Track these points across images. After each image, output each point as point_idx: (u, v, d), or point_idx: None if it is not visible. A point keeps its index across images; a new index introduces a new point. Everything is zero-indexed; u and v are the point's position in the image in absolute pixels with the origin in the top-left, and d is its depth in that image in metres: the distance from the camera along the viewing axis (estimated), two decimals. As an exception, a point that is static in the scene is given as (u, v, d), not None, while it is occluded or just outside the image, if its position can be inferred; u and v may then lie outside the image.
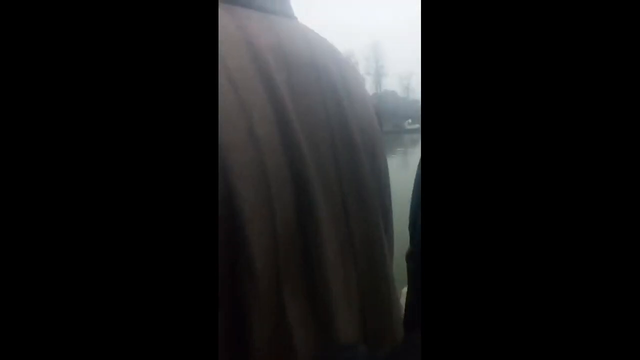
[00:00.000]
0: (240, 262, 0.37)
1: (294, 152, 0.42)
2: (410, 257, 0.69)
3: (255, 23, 0.45)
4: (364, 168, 0.48)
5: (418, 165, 0.69)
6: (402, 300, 0.68)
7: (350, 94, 0.49)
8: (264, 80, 0.42)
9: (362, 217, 0.47)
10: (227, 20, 0.43)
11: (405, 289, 0.73)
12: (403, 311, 0.67)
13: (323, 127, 0.46)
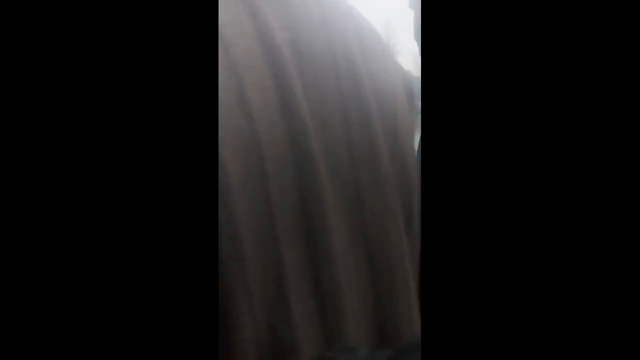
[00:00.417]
0: (224, 242, 0.34)
1: (295, 124, 0.37)
2: None
3: None
4: (381, 149, 0.41)
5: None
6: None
7: (368, 62, 0.42)
8: (261, 40, 0.37)
9: (377, 206, 0.41)
10: None
11: None
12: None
13: (333, 98, 0.40)
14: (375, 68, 0.43)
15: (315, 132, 0.38)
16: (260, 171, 0.36)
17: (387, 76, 0.44)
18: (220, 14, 0.35)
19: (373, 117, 0.41)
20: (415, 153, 0.47)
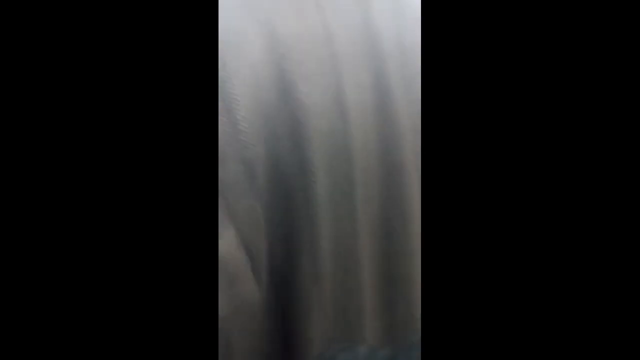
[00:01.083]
0: (305, 258, 0.31)
1: (388, 128, 0.33)
2: None
3: None
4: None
5: None
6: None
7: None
8: (366, 32, 0.33)
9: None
10: None
11: None
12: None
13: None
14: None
15: (411, 136, 0.34)
16: (349, 182, 0.33)
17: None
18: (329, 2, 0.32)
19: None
20: None
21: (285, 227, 0.33)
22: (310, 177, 0.33)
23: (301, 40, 0.33)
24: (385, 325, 0.35)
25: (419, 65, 0.33)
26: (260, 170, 0.33)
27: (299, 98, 0.33)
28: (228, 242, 0.33)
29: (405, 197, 0.36)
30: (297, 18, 0.34)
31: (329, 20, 0.34)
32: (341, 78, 0.33)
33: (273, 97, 0.33)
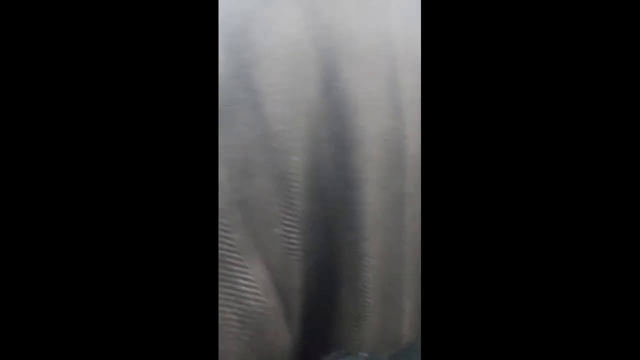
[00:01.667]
0: (345, 292, 0.27)
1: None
2: None
3: None
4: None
5: None
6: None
7: None
8: None
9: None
10: None
11: None
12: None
13: None
14: None
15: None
16: (400, 197, 0.28)
17: None
18: None
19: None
20: None
21: (324, 257, 0.27)
22: (357, 192, 0.27)
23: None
24: None
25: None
26: (297, 187, 0.27)
27: (343, 88, 0.27)
28: (256, 280, 0.27)
29: None
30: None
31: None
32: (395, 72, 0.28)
33: (313, 87, 0.27)
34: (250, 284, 0.27)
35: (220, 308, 0.28)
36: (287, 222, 0.27)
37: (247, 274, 0.28)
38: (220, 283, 0.28)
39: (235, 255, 0.28)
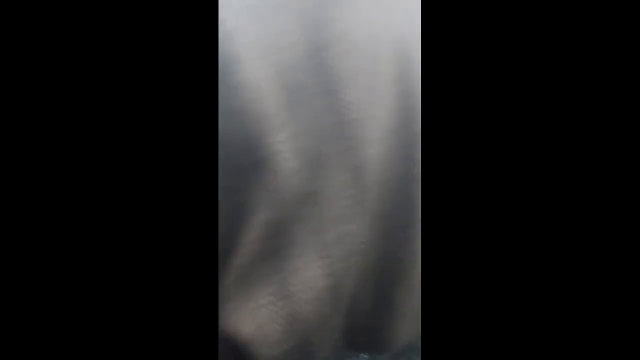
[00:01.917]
0: None
1: None
2: None
3: None
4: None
5: None
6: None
7: None
8: None
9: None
10: None
11: None
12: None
13: None
14: None
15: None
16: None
17: None
18: None
19: None
20: None
21: (382, 257, 0.25)
22: (418, 187, 0.25)
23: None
24: None
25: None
26: (371, 180, 0.24)
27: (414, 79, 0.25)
28: (312, 282, 0.24)
29: None
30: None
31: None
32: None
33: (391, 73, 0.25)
34: (305, 285, 0.25)
35: (259, 304, 0.25)
36: (357, 219, 0.25)
37: (302, 273, 0.25)
38: (265, 278, 0.25)
39: (294, 250, 0.24)
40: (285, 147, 0.24)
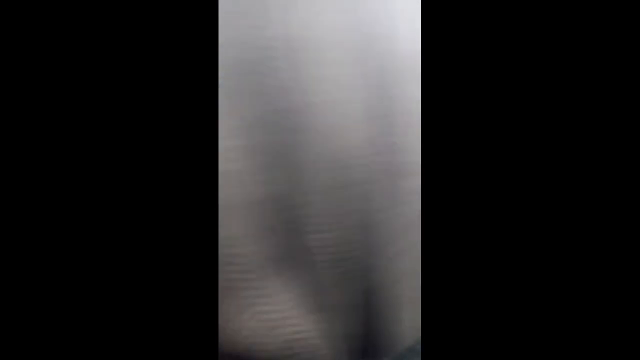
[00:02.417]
0: None
1: None
2: None
3: None
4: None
5: None
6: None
7: None
8: None
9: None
10: None
11: None
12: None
13: None
14: None
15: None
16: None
17: None
18: None
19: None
20: None
21: (359, 265, 0.22)
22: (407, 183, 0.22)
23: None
24: None
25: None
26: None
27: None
28: (292, 303, 0.22)
29: None
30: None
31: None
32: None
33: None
34: (285, 306, 0.22)
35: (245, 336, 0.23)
36: (319, 228, 0.22)
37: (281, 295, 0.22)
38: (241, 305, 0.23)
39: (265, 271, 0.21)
40: None
